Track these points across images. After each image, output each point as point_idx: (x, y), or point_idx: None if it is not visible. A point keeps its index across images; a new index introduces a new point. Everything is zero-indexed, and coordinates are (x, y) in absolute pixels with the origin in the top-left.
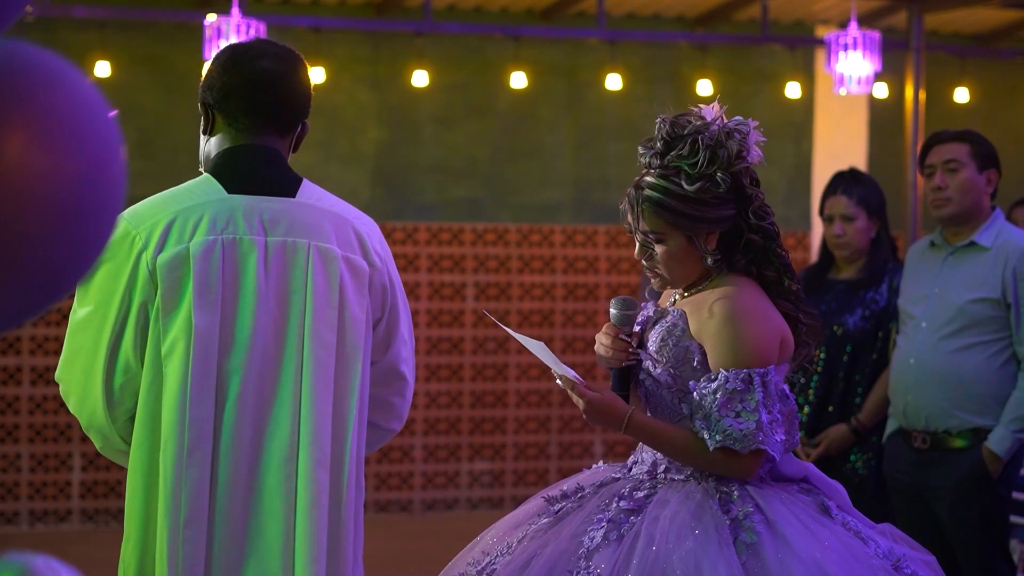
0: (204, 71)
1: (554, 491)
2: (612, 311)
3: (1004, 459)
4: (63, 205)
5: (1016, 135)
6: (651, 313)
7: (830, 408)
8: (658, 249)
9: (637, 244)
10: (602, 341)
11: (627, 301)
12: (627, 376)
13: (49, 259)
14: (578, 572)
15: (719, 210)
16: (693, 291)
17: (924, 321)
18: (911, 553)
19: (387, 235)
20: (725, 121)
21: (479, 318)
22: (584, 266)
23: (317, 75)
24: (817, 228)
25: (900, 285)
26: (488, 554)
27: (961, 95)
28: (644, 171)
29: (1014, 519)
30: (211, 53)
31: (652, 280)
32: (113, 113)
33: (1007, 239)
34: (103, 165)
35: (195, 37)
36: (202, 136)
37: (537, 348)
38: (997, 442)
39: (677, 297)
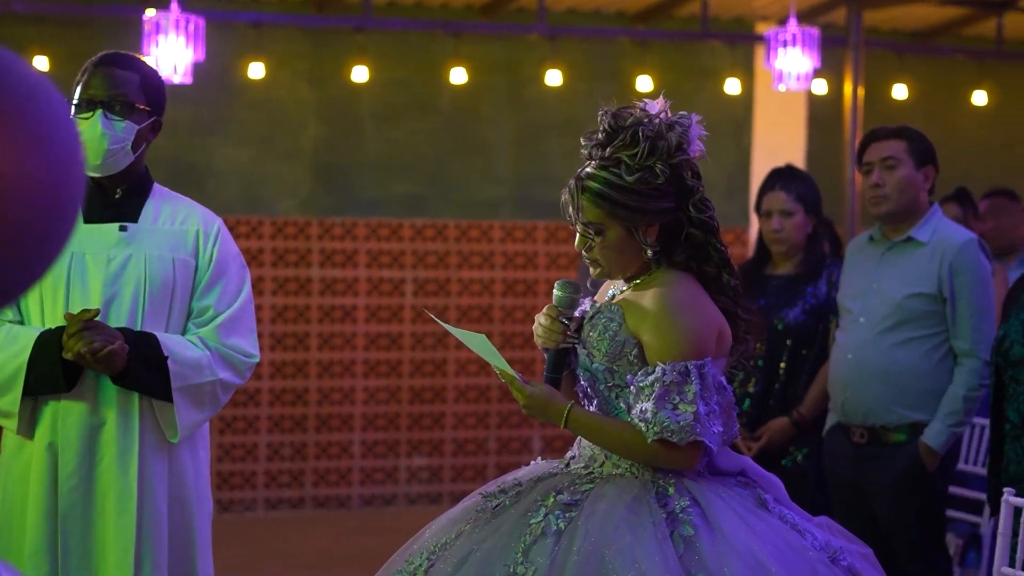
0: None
1: (492, 487)
2: (556, 292)
3: (940, 453)
4: (28, 207)
5: (954, 131)
6: (588, 308)
7: (771, 402)
8: (597, 240)
9: (577, 235)
10: (541, 322)
11: (571, 284)
12: (562, 359)
13: (11, 260)
14: (516, 567)
15: (658, 202)
16: (631, 285)
17: (862, 316)
18: (848, 546)
19: (326, 231)
20: (669, 114)
21: (418, 314)
22: (523, 262)
23: (257, 71)
24: (756, 224)
25: (839, 280)
26: (426, 551)
27: (900, 92)
28: (586, 162)
29: (951, 514)
30: (150, 49)
31: (591, 270)
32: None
33: (944, 235)
34: (66, 167)
35: (134, 32)
36: None
37: (478, 341)
38: (934, 436)
39: (615, 292)
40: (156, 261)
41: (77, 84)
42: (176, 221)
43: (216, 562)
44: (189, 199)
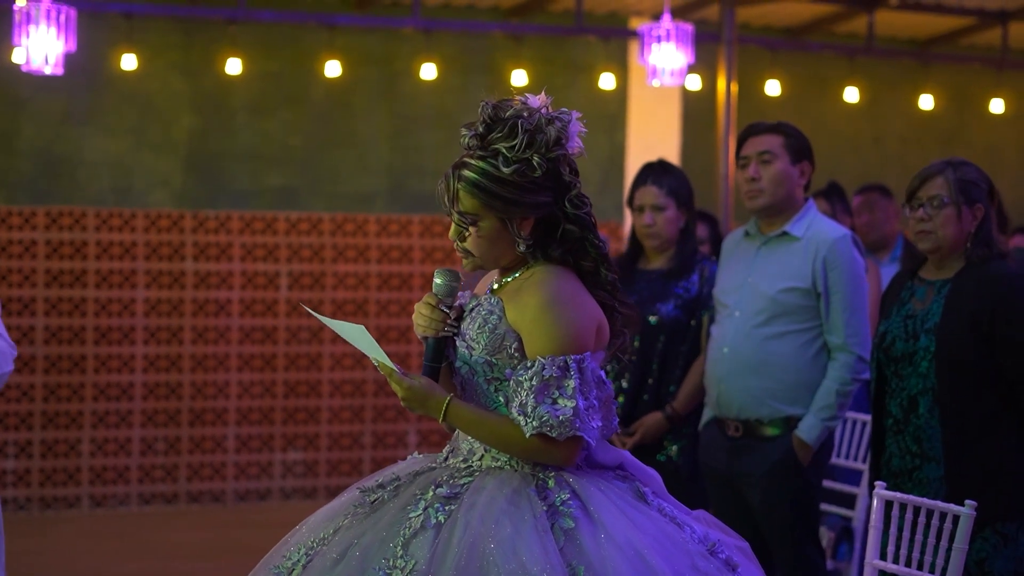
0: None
1: (370, 482)
2: (436, 281)
3: (814, 447)
4: None
5: (825, 127)
6: (467, 301)
7: (644, 397)
8: (471, 231)
9: (452, 225)
10: (421, 310)
11: (451, 272)
12: (441, 348)
13: None
14: (395, 560)
15: (534, 195)
16: (510, 279)
17: (737, 310)
18: (726, 539)
19: (200, 224)
20: (549, 109)
21: (292, 307)
22: (398, 255)
23: (129, 62)
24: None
25: (714, 275)
26: (303, 546)
27: (772, 87)
28: (464, 153)
29: (824, 507)
30: (21, 39)
31: (464, 262)
32: None
33: (818, 230)
34: None
35: (5, 22)
36: None
37: (356, 333)
38: (807, 430)
39: (495, 285)
40: None
41: None
42: None
43: (90, 558)
44: None
